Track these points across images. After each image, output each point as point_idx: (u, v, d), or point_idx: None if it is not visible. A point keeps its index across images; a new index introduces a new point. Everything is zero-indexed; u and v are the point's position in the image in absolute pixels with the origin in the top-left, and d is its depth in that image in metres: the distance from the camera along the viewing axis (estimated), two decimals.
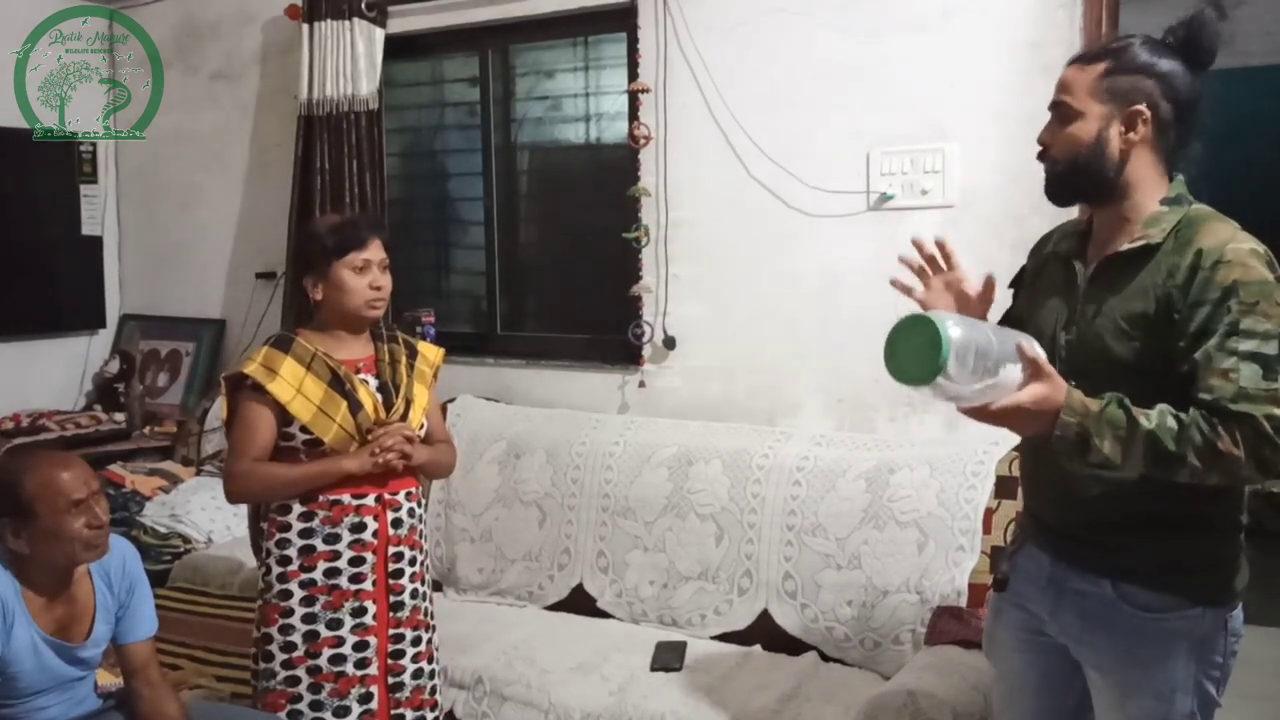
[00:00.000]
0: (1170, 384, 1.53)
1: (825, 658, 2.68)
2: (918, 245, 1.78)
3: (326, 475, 2.18)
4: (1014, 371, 1.50)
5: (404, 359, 2.34)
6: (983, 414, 1.53)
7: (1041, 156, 1.70)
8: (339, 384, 2.20)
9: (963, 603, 2.53)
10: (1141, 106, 1.60)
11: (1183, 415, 1.48)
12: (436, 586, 3.12)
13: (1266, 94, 4.98)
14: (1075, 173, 1.64)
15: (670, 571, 2.94)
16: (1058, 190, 1.71)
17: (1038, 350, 1.53)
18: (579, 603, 3.05)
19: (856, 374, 3.03)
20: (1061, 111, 1.65)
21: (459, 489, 3.30)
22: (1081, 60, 1.66)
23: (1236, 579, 1.63)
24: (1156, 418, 1.48)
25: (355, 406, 2.20)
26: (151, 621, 2.19)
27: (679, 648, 2.72)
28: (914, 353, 1.43)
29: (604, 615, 3.00)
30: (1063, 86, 1.66)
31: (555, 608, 3.07)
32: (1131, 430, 1.48)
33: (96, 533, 1.99)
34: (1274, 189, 4.43)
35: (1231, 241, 1.53)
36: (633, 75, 3.34)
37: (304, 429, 2.17)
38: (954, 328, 1.42)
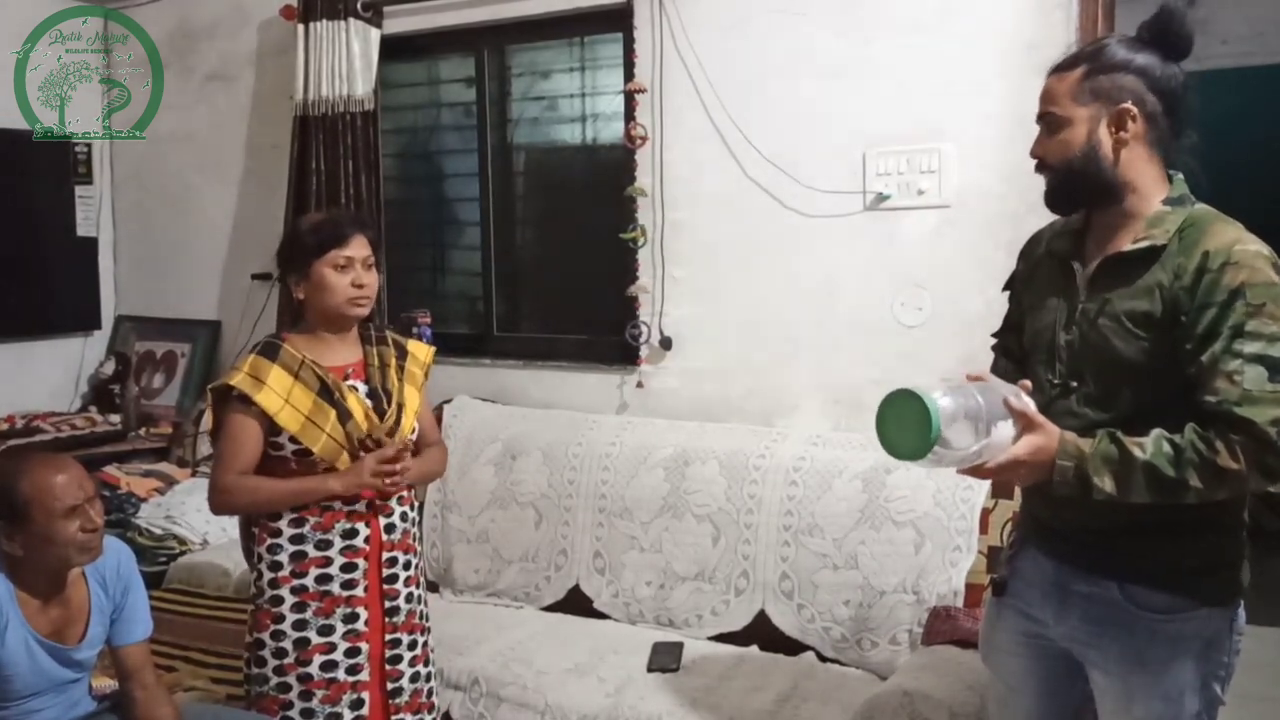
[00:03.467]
0: (1177, 384, 1.53)
1: (822, 658, 2.68)
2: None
3: (312, 494, 2.16)
4: (1006, 428, 1.50)
5: (393, 361, 2.31)
6: (981, 472, 1.53)
7: (1039, 169, 1.69)
8: (328, 393, 2.17)
9: (959, 603, 2.53)
10: (1128, 104, 1.59)
11: (1177, 438, 1.47)
12: (433, 588, 3.12)
13: (1258, 95, 4.99)
14: (1072, 179, 1.63)
15: (667, 572, 2.94)
16: (1059, 199, 1.69)
17: (1026, 402, 1.53)
18: (576, 603, 3.04)
19: (853, 374, 3.03)
20: (1049, 121, 1.65)
21: (455, 490, 3.30)
22: (1060, 69, 1.66)
23: (1241, 578, 1.63)
24: (1151, 446, 1.48)
25: (344, 416, 2.16)
26: (146, 624, 2.18)
27: (676, 648, 2.71)
28: (905, 428, 1.43)
29: (601, 616, 3.00)
30: (1046, 97, 1.66)
31: (552, 609, 3.07)
32: (1127, 463, 1.48)
33: (91, 536, 1.98)
34: (1259, 190, 4.43)
35: (1238, 243, 1.52)
36: (629, 75, 3.34)
37: (293, 439, 2.15)
38: (942, 398, 1.42)
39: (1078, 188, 1.65)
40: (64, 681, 2.06)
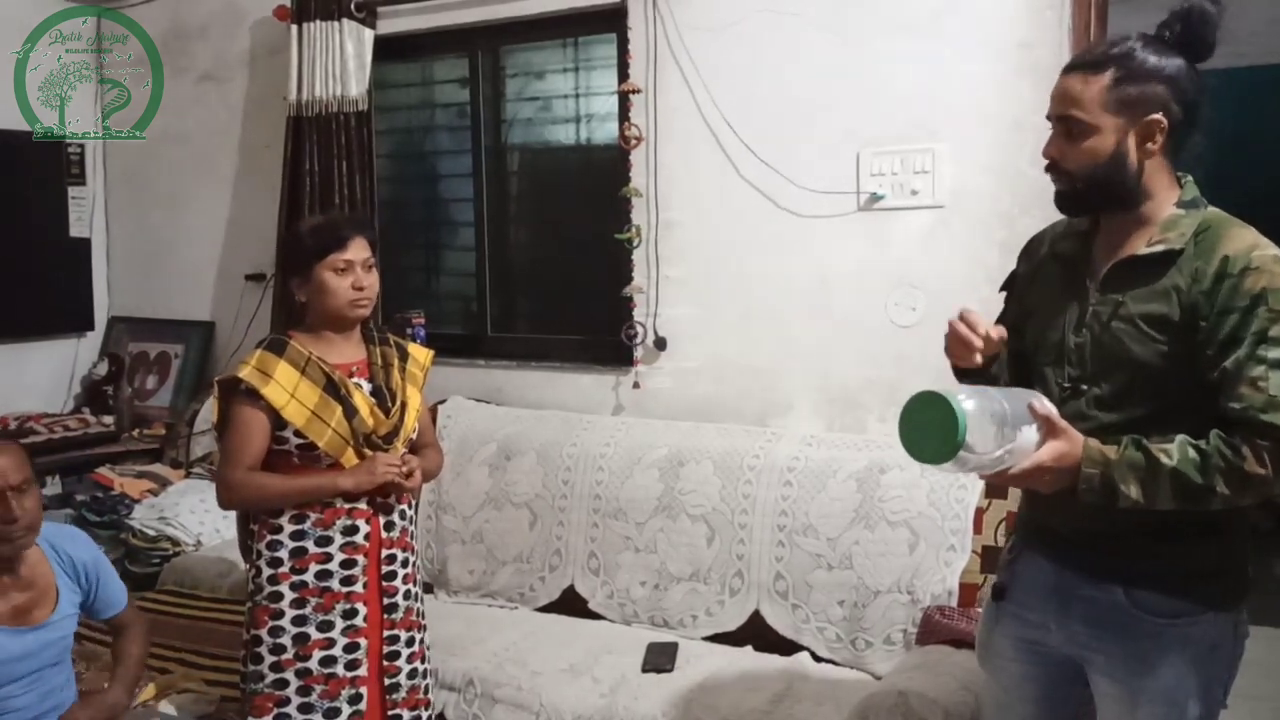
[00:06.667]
0: (1188, 387, 1.52)
1: (817, 658, 2.67)
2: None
3: (322, 491, 2.18)
4: (1030, 433, 1.48)
5: (396, 361, 2.34)
6: (1004, 478, 1.52)
7: (1050, 170, 1.64)
8: (334, 389, 2.19)
9: (954, 602, 2.54)
10: (1158, 116, 1.56)
11: (1203, 444, 1.46)
12: (427, 589, 3.11)
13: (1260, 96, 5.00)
14: (1095, 188, 1.60)
15: (661, 572, 2.94)
16: (1074, 205, 1.66)
17: (1049, 407, 1.52)
18: (570, 604, 3.04)
19: (847, 374, 3.03)
20: (1071, 126, 1.59)
21: (449, 491, 3.30)
22: (1084, 69, 1.59)
23: (1245, 582, 1.62)
24: (1177, 453, 1.47)
25: (350, 411, 2.19)
26: (122, 590, 2.28)
27: (670, 649, 2.71)
28: (930, 432, 1.41)
29: (595, 617, 2.99)
30: (1069, 99, 1.59)
31: (546, 609, 3.07)
32: (1154, 470, 1.47)
33: (6, 528, 1.98)
34: (1257, 191, 4.43)
35: (1256, 248, 1.51)
36: (623, 76, 3.34)
37: (298, 433, 2.16)
38: (967, 401, 1.40)
39: (1097, 195, 1.61)
40: (38, 668, 2.06)
